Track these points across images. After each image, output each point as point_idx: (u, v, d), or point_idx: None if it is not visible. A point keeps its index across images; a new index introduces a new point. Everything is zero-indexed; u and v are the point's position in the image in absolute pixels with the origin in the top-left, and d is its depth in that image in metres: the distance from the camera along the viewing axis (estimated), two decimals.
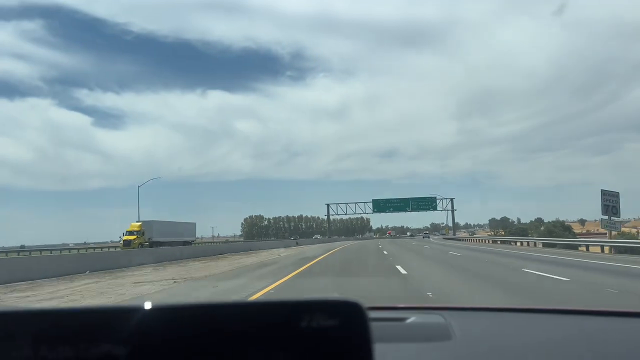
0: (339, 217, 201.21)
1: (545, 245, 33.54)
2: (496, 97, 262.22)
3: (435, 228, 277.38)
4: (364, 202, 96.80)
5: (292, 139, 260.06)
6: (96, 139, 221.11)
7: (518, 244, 41.67)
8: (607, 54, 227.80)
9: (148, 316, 0.56)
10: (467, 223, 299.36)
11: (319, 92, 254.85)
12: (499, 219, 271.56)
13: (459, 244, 50.07)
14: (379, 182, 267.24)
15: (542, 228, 67.62)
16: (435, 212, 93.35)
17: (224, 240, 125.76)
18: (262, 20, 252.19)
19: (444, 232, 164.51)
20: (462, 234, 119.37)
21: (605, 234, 27.85)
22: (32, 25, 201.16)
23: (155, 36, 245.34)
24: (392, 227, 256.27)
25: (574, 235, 55.81)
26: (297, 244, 53.74)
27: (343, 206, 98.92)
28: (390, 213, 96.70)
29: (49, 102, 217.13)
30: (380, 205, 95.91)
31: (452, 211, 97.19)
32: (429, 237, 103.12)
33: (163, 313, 0.57)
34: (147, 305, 0.56)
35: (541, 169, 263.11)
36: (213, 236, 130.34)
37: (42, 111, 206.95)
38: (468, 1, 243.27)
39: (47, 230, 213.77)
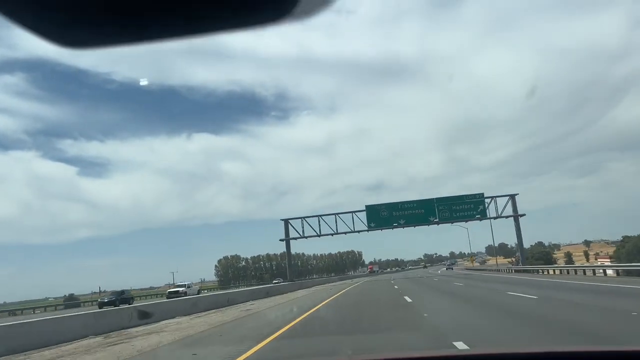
0: (325, 252, 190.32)
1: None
2: (480, 125, 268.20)
3: (429, 260, 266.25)
4: (352, 212, 55.09)
5: (280, 178, 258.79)
6: (82, 188, 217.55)
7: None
8: (585, 77, 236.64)
9: None
10: (461, 252, 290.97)
11: (304, 129, 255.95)
12: (496, 245, 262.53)
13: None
14: None
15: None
16: (481, 222, 55.67)
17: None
18: (244, 64, 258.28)
19: (454, 262, 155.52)
20: (467, 264, 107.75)
21: None
22: (14, 79, 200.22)
23: (138, 84, 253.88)
24: (384, 261, 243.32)
25: None
26: (145, 316, 16.92)
27: (315, 223, 56.40)
28: (399, 229, 54.78)
29: (33, 154, 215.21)
30: (381, 216, 53.22)
31: (517, 217, 54.18)
32: (452, 268, 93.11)
33: None
34: None
35: (529, 193, 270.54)
36: (174, 284, 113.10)
37: (26, 164, 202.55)
38: (443, 35, 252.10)
39: (34, 284, 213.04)
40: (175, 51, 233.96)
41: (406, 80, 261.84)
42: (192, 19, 0.91)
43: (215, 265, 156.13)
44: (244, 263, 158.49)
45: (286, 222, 57.18)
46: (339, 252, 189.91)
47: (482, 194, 53.03)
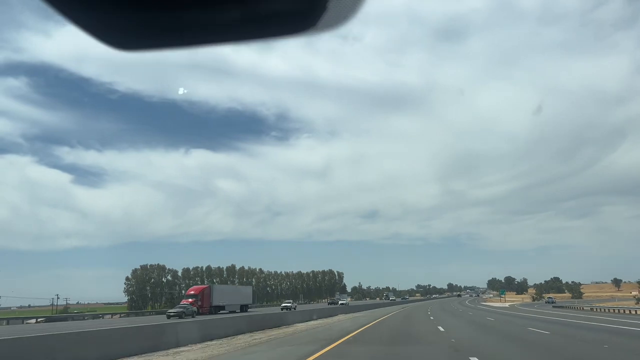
0: (294, 270, 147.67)
1: None
2: (478, 159, 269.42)
3: (426, 291, 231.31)
4: None
5: (275, 199, 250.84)
6: (74, 197, 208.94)
7: None
8: (584, 119, 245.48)
9: None
10: (456, 284, 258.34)
11: (303, 152, 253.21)
12: (502, 279, 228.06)
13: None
14: (361, 243, 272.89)
15: None
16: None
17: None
18: (247, 83, 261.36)
19: (478, 292, 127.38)
20: (486, 298, 76.99)
21: None
22: (17, 83, 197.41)
23: (140, 95, 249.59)
24: (373, 289, 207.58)
25: None
26: None
27: None
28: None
29: (29, 159, 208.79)
30: None
31: None
32: (553, 301, 78.62)
33: None
34: None
35: (523, 231, 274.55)
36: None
37: (20, 168, 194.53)
38: (447, 67, 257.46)
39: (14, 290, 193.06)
40: (178, 65, 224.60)
41: (407, 109, 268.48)
42: (223, 26, 0.97)
43: (127, 278, 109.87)
44: (170, 277, 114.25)
45: None
46: (312, 272, 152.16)
47: None
